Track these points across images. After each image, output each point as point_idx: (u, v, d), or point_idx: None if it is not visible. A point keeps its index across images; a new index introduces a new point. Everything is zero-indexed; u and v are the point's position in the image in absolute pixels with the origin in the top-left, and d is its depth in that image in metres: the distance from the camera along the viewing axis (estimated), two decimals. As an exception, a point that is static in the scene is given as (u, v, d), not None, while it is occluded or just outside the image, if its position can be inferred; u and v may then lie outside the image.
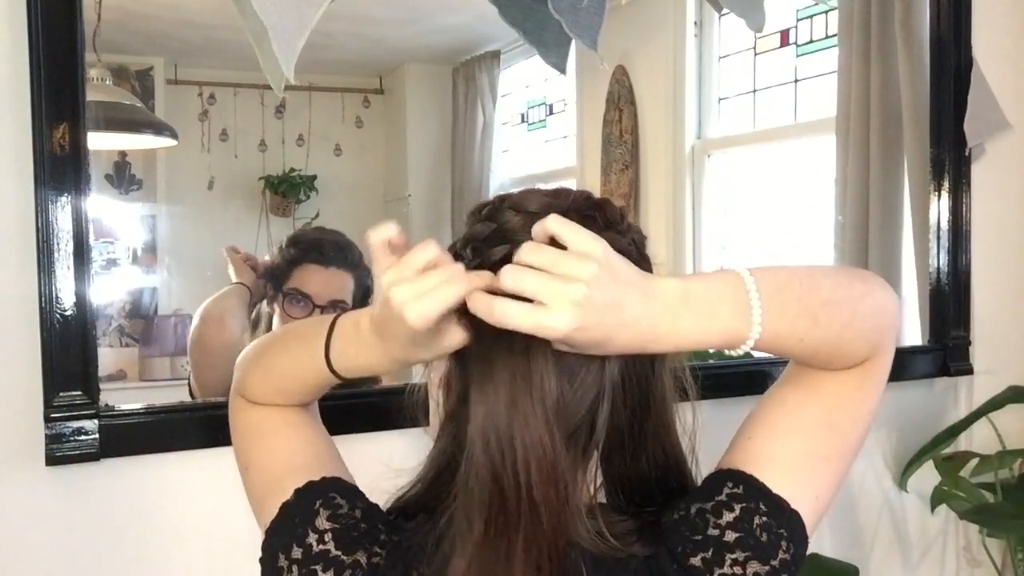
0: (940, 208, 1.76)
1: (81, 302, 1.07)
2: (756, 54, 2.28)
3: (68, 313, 1.07)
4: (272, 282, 1.69)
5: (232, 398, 0.88)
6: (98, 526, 1.14)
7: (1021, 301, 1.88)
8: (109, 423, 1.10)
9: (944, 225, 1.76)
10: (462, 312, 0.66)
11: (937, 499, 1.70)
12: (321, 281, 1.69)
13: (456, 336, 0.68)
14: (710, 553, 0.71)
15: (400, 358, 0.71)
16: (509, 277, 0.63)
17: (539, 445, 0.64)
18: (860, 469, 1.73)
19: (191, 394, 1.60)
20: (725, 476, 0.75)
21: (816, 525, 0.76)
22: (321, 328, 0.77)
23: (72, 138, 1.05)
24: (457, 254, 0.73)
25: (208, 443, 1.13)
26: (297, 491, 0.76)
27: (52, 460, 1.07)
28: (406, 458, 0.79)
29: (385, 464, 0.78)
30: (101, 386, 1.10)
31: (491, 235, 0.72)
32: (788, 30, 2.21)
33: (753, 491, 0.73)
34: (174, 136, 2.26)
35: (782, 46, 2.24)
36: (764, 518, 0.72)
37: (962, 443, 1.75)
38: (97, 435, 1.09)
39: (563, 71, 1.29)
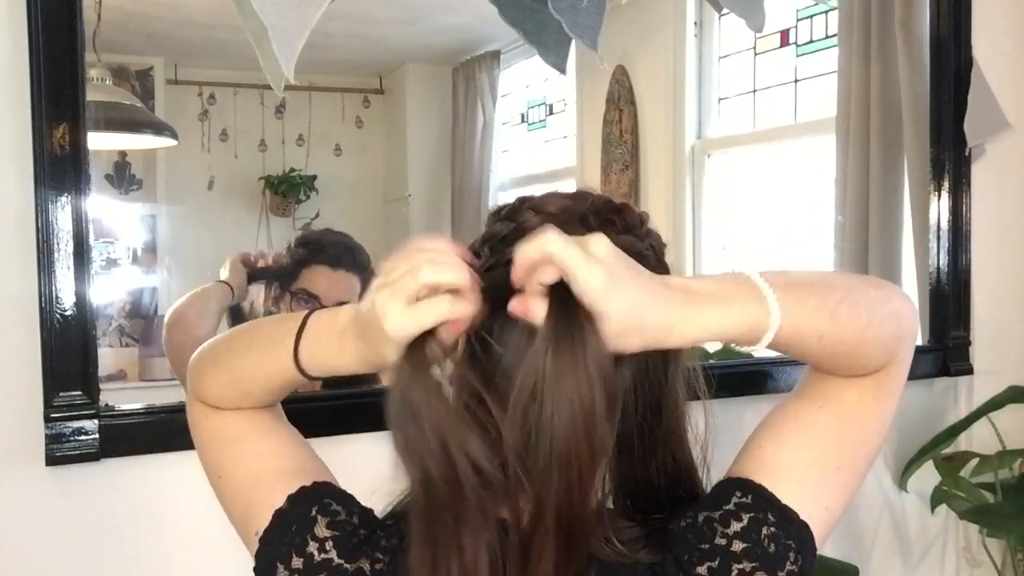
0: (940, 208, 1.76)
1: (81, 302, 1.07)
2: (756, 54, 2.28)
3: (68, 313, 1.07)
4: (280, 282, 1.69)
5: (190, 404, 0.83)
6: (98, 526, 1.14)
7: (1021, 301, 1.88)
8: (109, 423, 1.10)
9: (944, 225, 1.76)
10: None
11: (937, 499, 1.70)
12: (329, 282, 1.69)
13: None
14: (717, 563, 0.70)
15: (374, 360, 0.69)
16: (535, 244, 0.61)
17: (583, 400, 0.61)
18: (860, 469, 1.73)
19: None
20: (734, 485, 0.74)
21: (826, 537, 0.75)
22: (291, 324, 0.73)
23: (72, 138, 1.05)
24: (476, 252, 0.73)
25: (208, 443, 1.13)
26: (290, 497, 0.74)
27: (52, 460, 1.07)
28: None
29: (386, 465, 0.78)
30: (101, 386, 1.10)
31: (509, 234, 0.72)
32: (788, 30, 2.21)
33: (762, 501, 0.72)
34: (174, 136, 2.26)
35: (782, 46, 2.23)
36: (772, 528, 0.71)
37: (962, 443, 1.75)
38: (97, 435, 1.09)
39: (563, 71, 1.29)
